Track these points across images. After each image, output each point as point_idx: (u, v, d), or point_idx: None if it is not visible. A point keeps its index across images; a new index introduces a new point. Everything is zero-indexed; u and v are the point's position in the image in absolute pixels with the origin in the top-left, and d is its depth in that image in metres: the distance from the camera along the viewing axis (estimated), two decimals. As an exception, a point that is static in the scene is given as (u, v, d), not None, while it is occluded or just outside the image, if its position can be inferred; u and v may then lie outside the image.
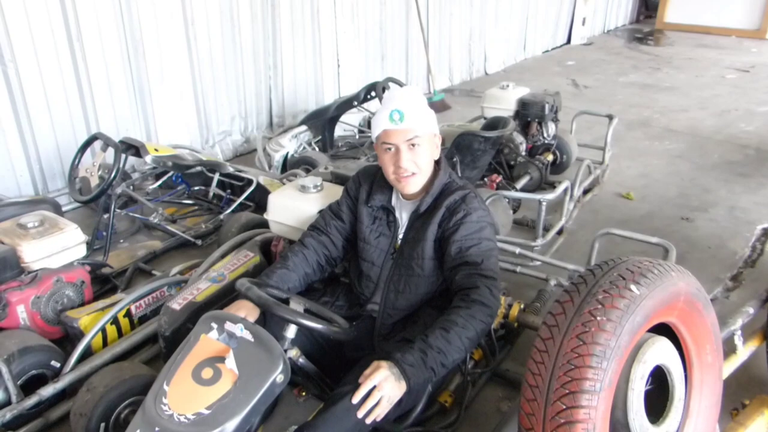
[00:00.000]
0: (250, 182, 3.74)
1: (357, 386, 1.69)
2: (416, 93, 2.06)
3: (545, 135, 4.31)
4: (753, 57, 8.84)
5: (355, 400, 1.67)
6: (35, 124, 3.85)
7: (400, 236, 2.12)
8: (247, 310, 1.88)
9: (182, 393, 1.60)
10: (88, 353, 2.38)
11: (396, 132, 1.94)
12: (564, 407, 1.42)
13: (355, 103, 4.76)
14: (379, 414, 1.68)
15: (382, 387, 1.67)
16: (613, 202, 4.20)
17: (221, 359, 1.63)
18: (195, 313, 2.26)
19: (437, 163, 2.09)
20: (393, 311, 2.10)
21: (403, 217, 2.13)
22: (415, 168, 1.99)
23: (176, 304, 2.34)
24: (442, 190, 2.05)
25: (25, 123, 3.81)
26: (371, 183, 2.17)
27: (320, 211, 2.35)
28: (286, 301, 1.90)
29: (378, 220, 2.14)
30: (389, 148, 1.98)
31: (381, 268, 2.12)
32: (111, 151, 3.33)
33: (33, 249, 2.63)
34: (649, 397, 1.60)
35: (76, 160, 3.45)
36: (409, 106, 1.95)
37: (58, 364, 2.30)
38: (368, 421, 1.67)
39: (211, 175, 3.90)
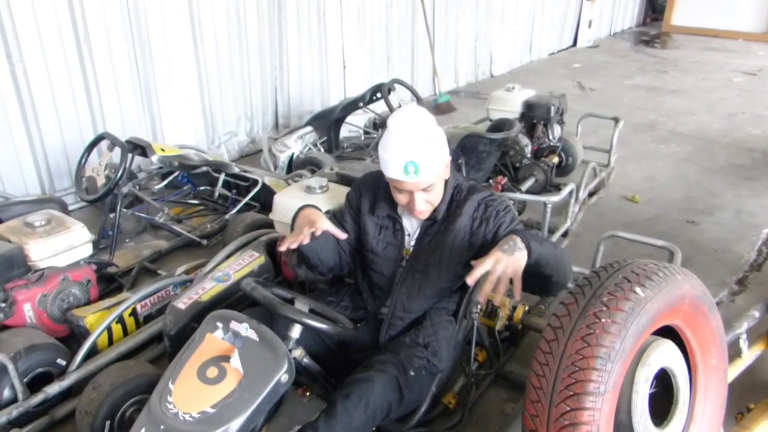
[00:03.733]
0: (255, 183, 3.75)
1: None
2: (425, 128, 1.87)
3: (551, 137, 4.30)
4: (760, 60, 8.80)
5: (470, 280, 1.64)
6: (42, 123, 3.87)
7: (412, 243, 2.10)
8: (317, 217, 1.97)
9: (187, 392, 1.61)
10: (93, 352, 2.39)
11: (410, 183, 1.88)
12: (568, 409, 1.42)
13: (361, 104, 4.77)
14: (501, 277, 1.64)
15: (501, 260, 1.67)
16: (618, 204, 4.19)
17: (226, 358, 1.64)
18: (200, 313, 2.26)
19: None
20: (403, 314, 2.09)
21: (413, 224, 2.11)
22: (428, 206, 1.98)
23: (181, 304, 2.35)
24: (452, 194, 2.05)
25: (32, 122, 3.83)
26: (374, 192, 2.12)
27: (326, 213, 2.35)
28: (291, 301, 1.90)
29: (384, 229, 2.12)
30: (402, 191, 1.94)
31: (391, 278, 2.11)
32: (117, 150, 3.34)
33: (40, 247, 2.64)
34: (653, 399, 1.60)
35: (83, 160, 3.47)
36: (423, 156, 1.82)
37: (63, 363, 2.31)
38: (497, 300, 1.64)
39: (216, 175, 3.91)
